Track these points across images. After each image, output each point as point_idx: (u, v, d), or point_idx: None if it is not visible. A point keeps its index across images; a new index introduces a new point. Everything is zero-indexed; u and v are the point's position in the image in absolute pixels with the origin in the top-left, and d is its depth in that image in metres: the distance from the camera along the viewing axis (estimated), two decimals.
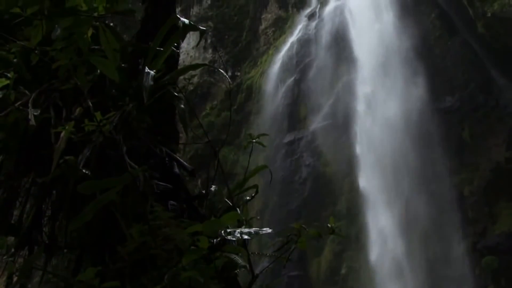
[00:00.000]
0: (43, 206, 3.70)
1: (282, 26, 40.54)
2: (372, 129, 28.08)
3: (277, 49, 37.49)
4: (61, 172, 3.26)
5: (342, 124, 29.52)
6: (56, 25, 3.19)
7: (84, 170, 3.25)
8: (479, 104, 26.71)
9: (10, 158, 3.64)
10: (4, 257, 3.69)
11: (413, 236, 24.78)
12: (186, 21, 4.27)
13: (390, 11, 31.61)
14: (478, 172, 25.43)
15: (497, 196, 24.31)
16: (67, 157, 3.24)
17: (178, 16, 4.52)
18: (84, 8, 3.04)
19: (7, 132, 3.50)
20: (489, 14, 26.59)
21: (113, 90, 3.93)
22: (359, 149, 28.00)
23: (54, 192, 3.69)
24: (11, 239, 3.73)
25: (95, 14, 3.06)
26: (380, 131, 27.55)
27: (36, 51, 3.30)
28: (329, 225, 3.09)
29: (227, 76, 22.06)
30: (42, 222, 3.70)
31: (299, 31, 36.73)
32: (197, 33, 4.56)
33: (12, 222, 3.72)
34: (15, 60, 3.65)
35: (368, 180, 26.91)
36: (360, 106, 29.33)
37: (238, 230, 2.98)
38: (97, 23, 3.11)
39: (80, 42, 3.04)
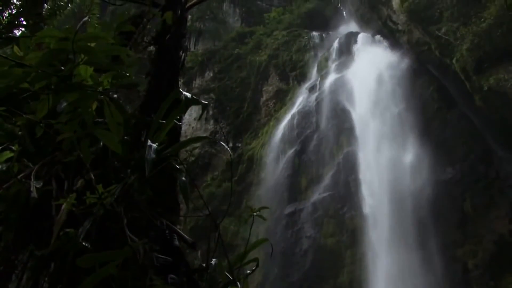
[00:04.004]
0: (40, 279, 3.64)
1: (283, 98, 41.17)
2: (374, 200, 27.97)
3: (278, 121, 37.88)
4: (61, 245, 3.24)
5: (343, 195, 29.42)
6: (62, 99, 3.27)
7: (84, 243, 3.23)
8: (479, 175, 26.66)
9: (10, 230, 3.62)
10: None
11: None
12: (188, 95, 4.36)
13: (390, 82, 32.26)
14: (482, 244, 25.04)
15: (502, 270, 23.83)
16: (67, 230, 3.23)
17: (181, 89, 4.61)
18: (90, 82, 3.13)
19: (8, 204, 3.50)
20: (485, 88, 27.03)
21: (116, 162, 3.96)
22: (362, 221, 27.75)
23: (52, 264, 3.64)
24: None
25: (100, 89, 3.14)
26: (381, 203, 27.44)
27: (41, 124, 3.36)
28: None
29: (228, 147, 22.21)
30: None
31: (300, 103, 37.23)
32: (199, 105, 4.63)
33: None
34: (20, 132, 3.71)
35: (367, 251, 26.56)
36: (362, 177, 29.34)
37: None
38: (102, 96, 3.18)
39: (85, 115, 3.10)
